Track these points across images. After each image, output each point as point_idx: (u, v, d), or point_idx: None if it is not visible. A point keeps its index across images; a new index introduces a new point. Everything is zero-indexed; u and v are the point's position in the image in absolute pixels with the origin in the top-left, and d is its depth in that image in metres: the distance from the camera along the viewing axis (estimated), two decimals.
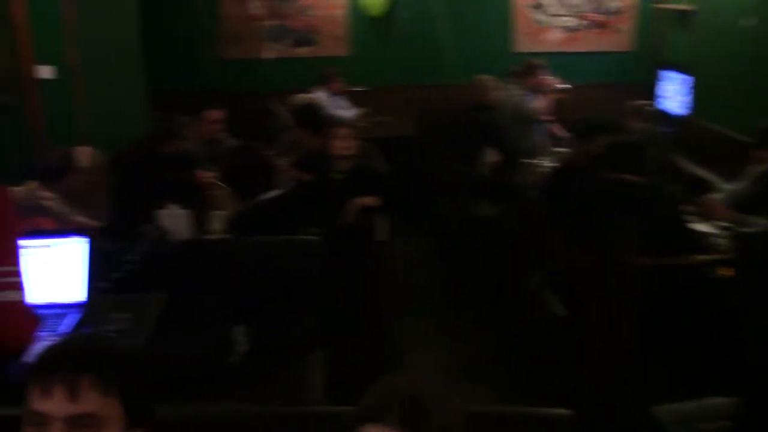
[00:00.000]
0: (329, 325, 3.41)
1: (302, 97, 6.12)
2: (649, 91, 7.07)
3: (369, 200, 4.38)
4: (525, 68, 6.40)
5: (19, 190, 3.36)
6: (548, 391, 3.92)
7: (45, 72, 4.59)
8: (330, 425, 1.84)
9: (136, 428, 1.52)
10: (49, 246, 2.73)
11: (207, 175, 4.37)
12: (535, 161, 5.59)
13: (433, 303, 5.28)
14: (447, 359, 4.46)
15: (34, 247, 2.71)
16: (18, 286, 2.06)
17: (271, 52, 7.55)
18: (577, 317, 3.80)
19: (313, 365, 3.13)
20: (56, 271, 2.70)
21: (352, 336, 3.61)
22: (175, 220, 3.89)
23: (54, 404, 1.43)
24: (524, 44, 7.70)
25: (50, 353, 1.51)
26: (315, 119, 5.19)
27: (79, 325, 2.55)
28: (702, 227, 4.04)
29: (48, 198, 3.48)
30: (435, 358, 4.42)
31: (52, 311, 2.63)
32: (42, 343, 1.90)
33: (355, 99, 7.33)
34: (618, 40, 7.74)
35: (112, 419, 1.47)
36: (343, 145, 4.58)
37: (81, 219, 3.52)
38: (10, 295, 2.03)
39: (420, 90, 7.64)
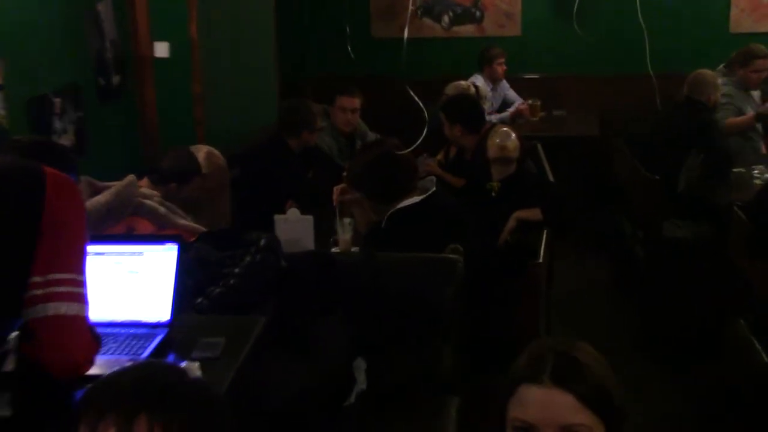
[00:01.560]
0: (469, 363, 3.33)
1: (458, 84, 6.03)
2: None
3: (531, 214, 4.29)
4: (742, 57, 6.07)
5: (117, 185, 3.39)
6: None
7: (161, 49, 4.67)
8: None
9: None
10: (140, 254, 2.73)
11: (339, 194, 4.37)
12: (750, 172, 5.30)
13: (611, 344, 5.06)
14: (634, 418, 4.25)
15: (122, 254, 2.73)
16: (75, 298, 2.02)
17: (426, 30, 7.54)
18: None
19: (444, 414, 3.04)
20: (144, 283, 2.70)
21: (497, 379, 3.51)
22: (294, 226, 3.90)
23: None
24: (744, 23, 7.31)
25: (104, 387, 1.48)
26: (471, 112, 5.12)
27: (163, 348, 2.53)
28: None
29: (150, 196, 3.52)
30: None
31: (135, 331, 2.62)
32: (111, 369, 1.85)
33: (525, 88, 7.24)
34: None
35: None
36: (502, 145, 4.45)
37: (185, 222, 3.54)
38: (63, 308, 1.99)
39: (606, 80, 7.47)
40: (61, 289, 1.99)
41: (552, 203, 4.36)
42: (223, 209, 4.12)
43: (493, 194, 4.47)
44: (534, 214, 4.30)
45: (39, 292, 1.98)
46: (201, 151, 4.06)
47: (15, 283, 1.99)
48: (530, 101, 7.01)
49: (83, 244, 2.10)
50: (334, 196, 4.25)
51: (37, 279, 1.98)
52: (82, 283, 2.05)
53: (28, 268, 1.98)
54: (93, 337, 2.14)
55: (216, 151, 4.14)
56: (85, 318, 2.06)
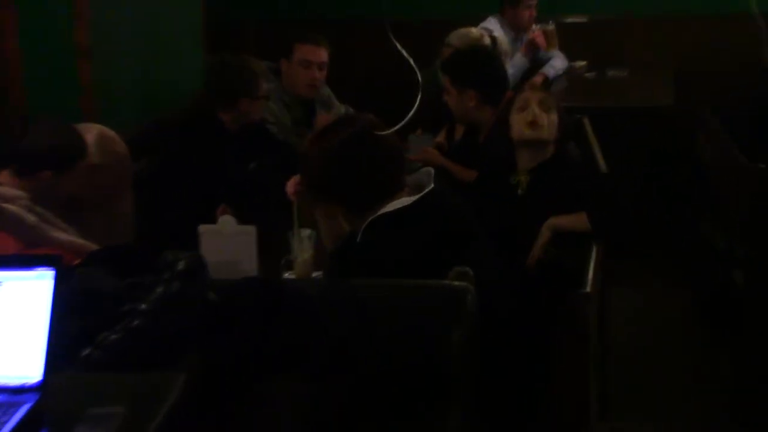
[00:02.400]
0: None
1: (467, 33, 6.05)
2: None
3: (573, 221, 4.31)
4: None
5: None
6: None
7: None
8: None
9: None
10: None
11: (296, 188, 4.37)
12: None
13: (696, 417, 5.08)
14: None
15: None
16: None
17: None
18: None
19: None
20: (4, 327, 2.69)
21: None
22: (229, 242, 3.92)
23: None
24: None
25: None
26: (490, 73, 5.16)
27: (30, 424, 2.52)
28: None
29: (13, 199, 3.51)
30: None
31: None
32: None
33: (566, 38, 7.28)
34: None
35: None
36: (532, 120, 4.47)
37: (66, 237, 3.54)
38: None
39: (686, 25, 7.54)
40: None
41: (604, 205, 4.36)
42: (121, 217, 4.08)
43: (520, 191, 4.48)
44: (578, 221, 4.31)
45: None
46: (89, 133, 4.02)
47: None
48: (540, 25, 7.12)
49: None
50: (289, 190, 4.25)
51: None
52: None
53: None
54: None
55: (112, 133, 4.10)
56: None
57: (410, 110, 3.68)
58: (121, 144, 4.11)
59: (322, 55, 5.54)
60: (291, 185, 4.16)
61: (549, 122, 4.46)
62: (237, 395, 3.06)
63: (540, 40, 7.01)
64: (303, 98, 5.61)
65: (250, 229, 3.95)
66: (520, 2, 6.96)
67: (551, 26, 7.11)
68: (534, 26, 7.05)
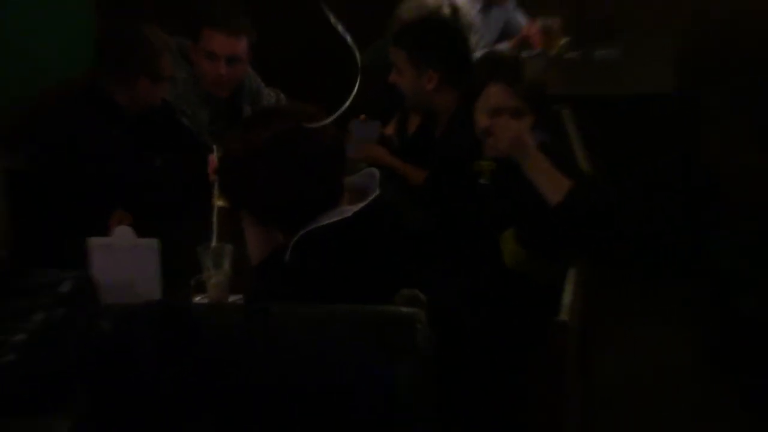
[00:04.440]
0: None
1: (422, 3, 6.11)
2: None
3: (550, 178, 4.30)
4: None
5: None
6: None
7: None
8: None
9: None
10: None
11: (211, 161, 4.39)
12: None
13: None
14: None
15: None
16: None
17: None
18: None
19: None
20: None
21: None
22: (126, 257, 3.93)
23: None
24: None
25: None
26: (453, 48, 5.24)
27: None
28: None
29: None
30: None
31: None
32: None
33: (543, 7, 7.39)
34: None
35: None
36: (497, 110, 4.57)
37: None
38: None
39: None
40: None
41: (584, 188, 4.32)
42: None
43: (482, 180, 4.52)
44: (557, 186, 4.26)
45: None
46: None
47: None
48: (541, 21, 7.12)
49: None
50: (211, 166, 4.30)
51: None
52: None
53: None
54: None
55: None
56: None
57: (348, 96, 3.70)
58: None
59: (237, 46, 5.44)
60: (212, 164, 4.23)
61: (515, 130, 4.50)
62: None
63: (536, 38, 7.09)
64: (216, 91, 5.57)
65: (152, 243, 3.96)
66: None
67: (555, 22, 7.15)
68: (537, 21, 7.10)
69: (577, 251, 4.24)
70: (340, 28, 3.59)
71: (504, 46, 6.94)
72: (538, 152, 4.30)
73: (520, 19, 7.29)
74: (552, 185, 4.24)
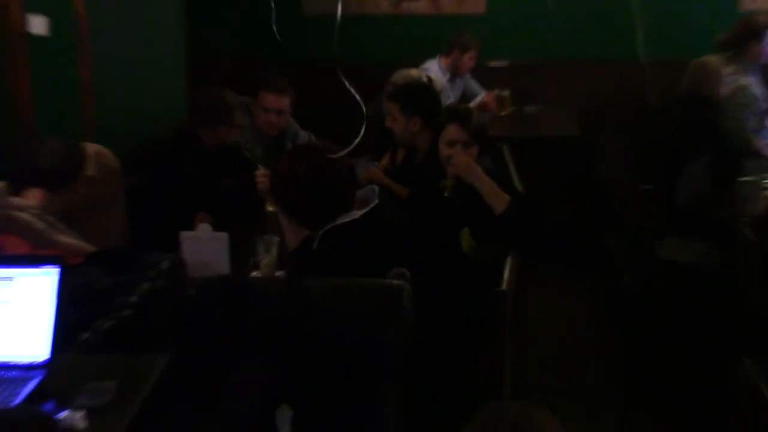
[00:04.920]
0: (417, 421, 3.34)
1: (408, 73, 6.08)
2: None
3: (491, 191, 4.34)
4: (742, 32, 6.25)
5: None
6: None
7: (37, 25, 4.64)
8: None
9: None
10: (10, 279, 2.73)
11: (263, 181, 4.36)
12: (761, 182, 5.37)
13: (593, 399, 5.12)
14: None
15: None
16: None
17: (369, 6, 7.59)
18: None
19: None
20: (16, 315, 2.70)
21: None
22: (205, 245, 3.92)
23: None
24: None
25: None
26: (432, 102, 5.17)
27: (38, 396, 2.52)
28: None
29: (24, 208, 3.50)
30: None
31: (4, 374, 2.62)
32: None
33: (490, 79, 7.36)
34: None
35: None
36: (453, 142, 4.57)
37: (69, 240, 3.52)
38: None
39: (588, 69, 7.58)
40: None
41: (519, 202, 4.36)
42: (114, 224, 4.05)
43: (446, 194, 4.52)
44: (499, 199, 4.30)
45: None
46: (88, 150, 4.02)
47: None
48: (497, 91, 7.08)
49: None
50: (258, 180, 4.30)
51: None
52: None
53: None
54: None
55: (107, 151, 4.06)
56: None
57: (358, 136, 3.71)
58: (114, 160, 4.10)
59: (282, 103, 5.48)
60: (260, 177, 4.24)
61: (465, 160, 4.50)
62: (208, 375, 3.06)
63: (492, 105, 7.04)
64: (268, 134, 5.56)
65: (224, 235, 3.94)
66: (467, 52, 6.99)
67: (506, 93, 7.12)
68: (489, 93, 7.12)
69: (513, 244, 4.22)
70: (352, 90, 3.60)
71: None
72: (485, 175, 4.32)
73: (474, 85, 7.26)
74: (496, 199, 4.27)
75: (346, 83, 3.66)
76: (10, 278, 2.73)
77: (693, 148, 5.52)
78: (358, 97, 3.68)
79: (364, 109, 3.79)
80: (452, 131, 4.62)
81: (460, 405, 3.71)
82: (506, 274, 3.88)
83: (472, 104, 6.99)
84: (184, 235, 3.95)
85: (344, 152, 3.83)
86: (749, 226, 4.25)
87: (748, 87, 6.08)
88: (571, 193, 6.52)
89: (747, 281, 4.17)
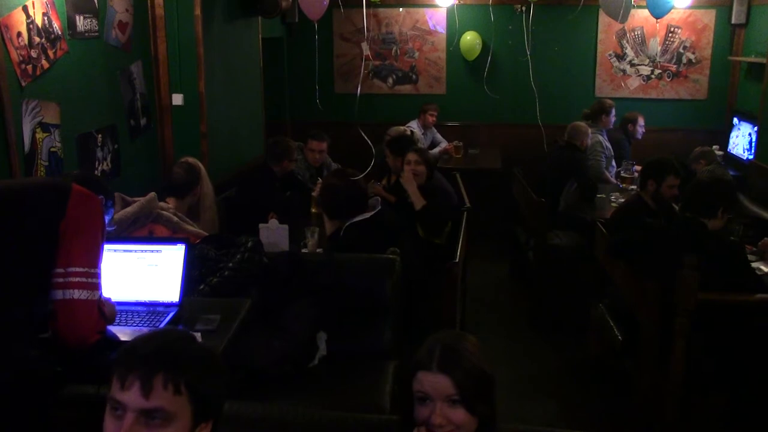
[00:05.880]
0: (403, 337, 3.33)
1: (398, 128, 6.06)
2: (721, 136, 6.81)
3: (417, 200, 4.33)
4: (598, 109, 6.31)
5: (142, 200, 3.37)
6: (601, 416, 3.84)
7: (177, 99, 4.65)
8: None
9: (203, 422, 1.47)
10: (158, 251, 2.72)
11: (317, 191, 4.34)
12: (609, 197, 5.41)
13: (509, 324, 5.13)
14: (515, 373, 4.31)
15: (144, 251, 2.72)
16: (88, 286, 2.01)
17: (375, 88, 7.59)
18: (634, 344, 3.60)
19: (384, 374, 3.04)
20: (162, 273, 2.69)
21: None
22: (274, 233, 3.90)
23: (129, 396, 1.40)
24: (606, 90, 7.42)
25: (131, 349, 1.46)
26: (404, 146, 5.12)
27: (174, 322, 2.52)
28: (763, 267, 3.80)
29: (165, 209, 3.49)
30: (504, 372, 4.24)
31: (153, 309, 2.61)
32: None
33: (448, 133, 7.29)
34: (693, 88, 7.36)
35: (180, 413, 1.42)
36: (411, 169, 4.50)
37: (192, 228, 3.52)
38: (76, 294, 1.99)
39: (508, 127, 7.52)
40: (76, 279, 2.00)
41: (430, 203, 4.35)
42: (212, 219, 4.03)
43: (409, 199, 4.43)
44: (418, 201, 4.32)
45: (60, 280, 2.00)
46: (184, 162, 3.98)
47: (45, 271, 2.00)
48: (455, 143, 7.04)
49: (98, 245, 2.09)
50: (315, 191, 4.30)
51: (59, 270, 2.00)
52: (95, 275, 2.05)
53: (54, 261, 2.00)
54: (100, 316, 2.12)
55: (194, 160, 4.04)
56: (95, 302, 2.06)
57: (368, 167, 3.69)
58: (202, 166, 4.03)
59: (321, 146, 5.38)
60: (315, 190, 4.29)
61: (421, 171, 4.47)
62: (276, 311, 3.05)
63: (451, 149, 6.97)
64: (313, 165, 5.50)
65: (285, 226, 3.92)
66: (427, 112, 6.93)
67: (460, 143, 7.05)
68: (450, 144, 7.05)
69: (424, 226, 4.30)
70: (366, 138, 3.58)
71: (436, 151, 6.86)
72: (416, 189, 4.34)
73: (438, 136, 7.19)
74: (416, 200, 4.32)
75: (363, 134, 3.64)
76: (159, 251, 2.71)
77: (569, 176, 5.52)
78: (369, 143, 3.67)
79: (373, 150, 3.77)
80: (410, 156, 4.55)
81: (426, 331, 3.71)
82: (459, 251, 3.86)
83: (438, 149, 6.99)
84: (262, 226, 3.91)
85: (361, 176, 3.81)
86: (602, 224, 4.24)
87: (601, 141, 6.14)
88: (497, 202, 6.46)
89: (598, 256, 4.17)
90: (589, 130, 5.94)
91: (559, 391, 4.17)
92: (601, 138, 6.15)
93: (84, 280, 2.00)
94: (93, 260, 2.05)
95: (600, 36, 7.36)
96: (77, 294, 2.00)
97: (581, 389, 4.17)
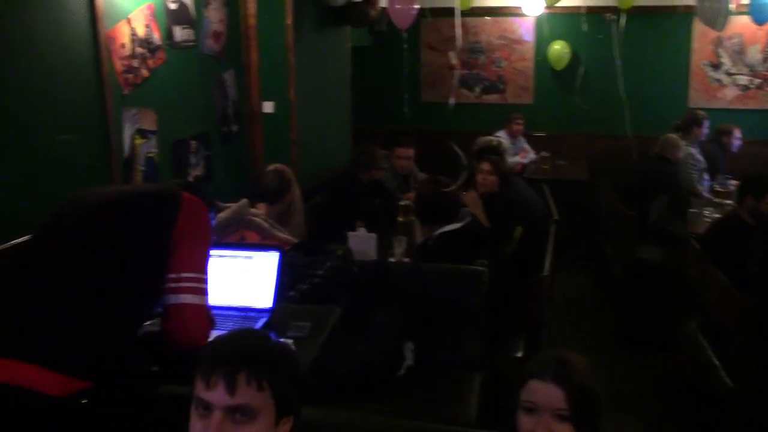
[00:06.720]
0: (489, 349, 3.29)
1: (487, 138, 5.99)
2: None
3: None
4: (689, 120, 6.12)
5: (234, 206, 3.43)
6: None
7: (268, 107, 4.73)
8: None
9: (284, 417, 1.51)
10: (250, 257, 2.76)
11: (410, 198, 4.33)
12: (702, 212, 5.23)
13: (593, 338, 5.00)
14: (607, 393, 4.19)
15: (238, 257, 2.76)
16: (198, 291, 2.06)
17: (463, 97, 7.55)
18: (728, 363, 3.46)
19: (470, 385, 3.00)
20: (254, 279, 2.72)
21: (510, 361, 3.45)
22: (362, 241, 3.89)
23: (215, 395, 1.44)
24: (700, 100, 7.17)
25: (212, 350, 1.51)
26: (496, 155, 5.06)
27: (266, 328, 2.54)
28: None
29: (256, 215, 3.54)
30: None
31: (246, 314, 2.64)
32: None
33: (536, 143, 7.18)
34: None
35: (264, 409, 1.46)
36: (482, 177, 4.43)
37: (283, 235, 3.55)
38: (188, 299, 2.04)
39: (596, 138, 7.38)
40: (188, 284, 2.05)
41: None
42: (301, 226, 4.05)
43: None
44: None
45: (173, 285, 2.05)
46: (275, 168, 3.98)
47: (159, 276, 2.05)
48: (543, 153, 6.94)
49: (207, 251, 2.14)
50: (408, 197, 4.26)
51: (172, 275, 2.05)
52: (204, 280, 2.10)
53: (167, 267, 2.05)
54: (209, 320, 2.16)
55: (285, 167, 4.03)
56: (204, 306, 2.10)
57: (457, 176, 3.66)
58: (291, 173, 4.04)
59: (410, 152, 5.32)
60: (408, 196, 4.29)
61: (491, 181, 4.41)
62: (362, 318, 3.05)
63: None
64: (400, 173, 5.44)
65: (373, 235, 3.90)
66: (513, 121, 6.85)
67: (548, 154, 6.92)
68: (529, 152, 6.96)
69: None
70: (455, 147, 3.56)
71: (517, 158, 6.81)
72: (481, 211, 4.20)
73: (526, 145, 7.09)
74: (480, 214, 4.15)
75: (452, 144, 3.61)
76: (250, 257, 2.75)
77: (660, 190, 5.38)
78: (459, 152, 3.63)
79: (463, 159, 3.73)
80: (483, 165, 4.44)
81: (513, 341, 3.65)
82: (546, 264, 3.79)
83: (520, 158, 6.89)
84: (350, 234, 3.90)
85: (454, 186, 3.78)
86: (695, 239, 4.11)
87: (693, 154, 5.94)
88: (584, 213, 6.32)
89: (691, 272, 4.03)
90: (681, 143, 5.77)
91: (642, 409, 4.04)
92: (692, 150, 5.96)
93: (194, 285, 2.05)
94: (202, 266, 2.10)
95: (694, 45, 7.13)
96: (189, 299, 2.05)
97: (667, 408, 4.03)
